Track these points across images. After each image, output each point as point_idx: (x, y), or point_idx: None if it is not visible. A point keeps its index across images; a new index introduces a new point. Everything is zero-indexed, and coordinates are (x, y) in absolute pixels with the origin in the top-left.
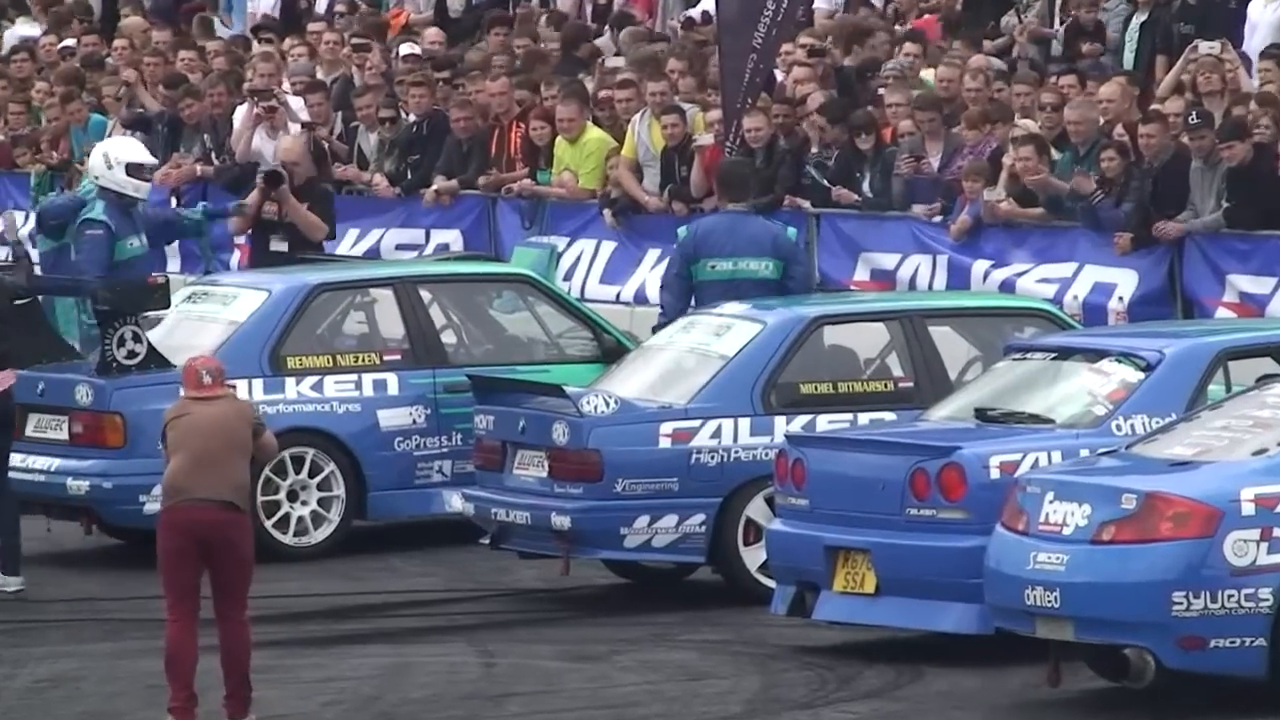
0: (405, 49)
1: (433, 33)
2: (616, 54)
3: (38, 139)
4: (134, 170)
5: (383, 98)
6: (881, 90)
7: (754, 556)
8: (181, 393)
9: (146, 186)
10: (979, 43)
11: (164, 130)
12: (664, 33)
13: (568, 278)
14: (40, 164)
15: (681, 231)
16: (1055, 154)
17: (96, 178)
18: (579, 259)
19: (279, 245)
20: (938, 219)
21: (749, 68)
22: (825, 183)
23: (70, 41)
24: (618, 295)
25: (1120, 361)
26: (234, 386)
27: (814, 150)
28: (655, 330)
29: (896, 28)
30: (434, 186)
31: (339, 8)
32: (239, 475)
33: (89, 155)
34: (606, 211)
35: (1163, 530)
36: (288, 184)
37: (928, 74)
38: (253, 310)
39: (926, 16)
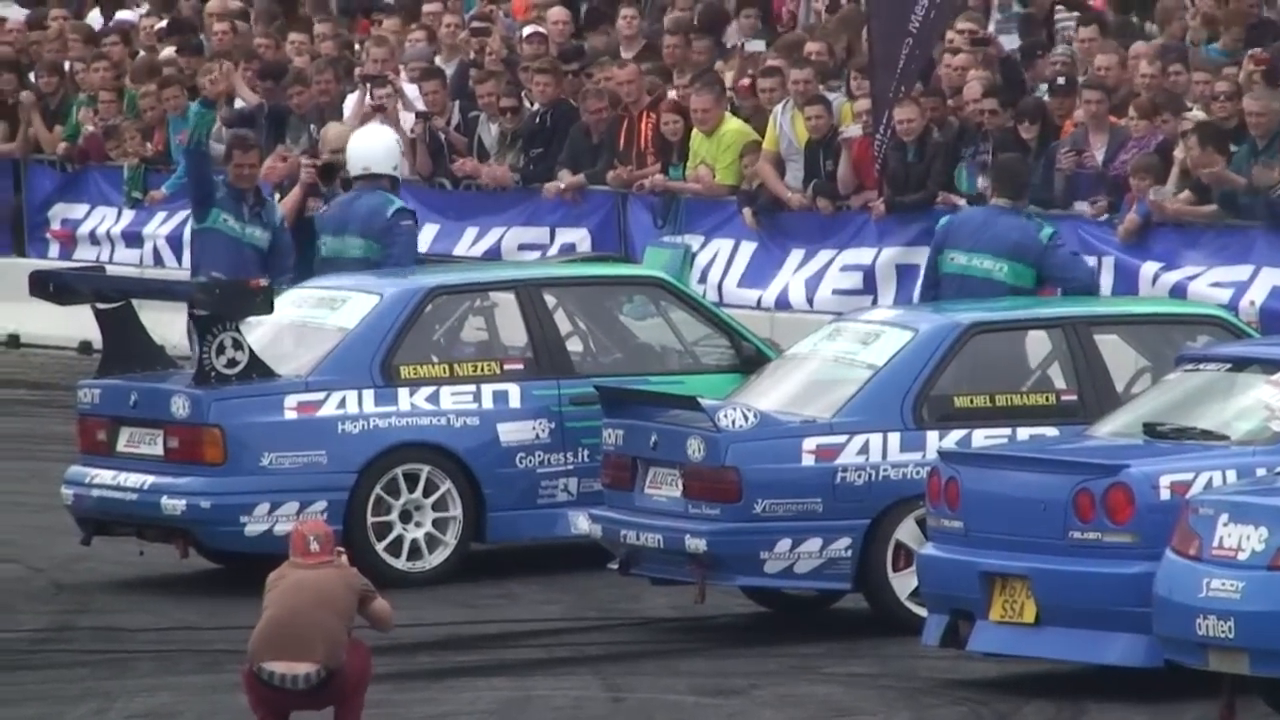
0: (528, 29)
1: (557, 11)
2: (756, 38)
3: (131, 130)
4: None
5: (504, 85)
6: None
7: (904, 583)
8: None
9: None
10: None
11: (265, 123)
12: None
13: (702, 280)
14: (134, 156)
15: (941, 220)
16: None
17: (395, 167)
18: (714, 259)
19: None
20: (1104, 217)
21: (904, 54)
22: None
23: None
24: (758, 300)
25: None
26: (343, 552)
27: (968, 149)
28: None
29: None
30: (559, 181)
31: None
32: (334, 635)
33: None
34: (746, 209)
35: None
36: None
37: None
38: (363, 315)
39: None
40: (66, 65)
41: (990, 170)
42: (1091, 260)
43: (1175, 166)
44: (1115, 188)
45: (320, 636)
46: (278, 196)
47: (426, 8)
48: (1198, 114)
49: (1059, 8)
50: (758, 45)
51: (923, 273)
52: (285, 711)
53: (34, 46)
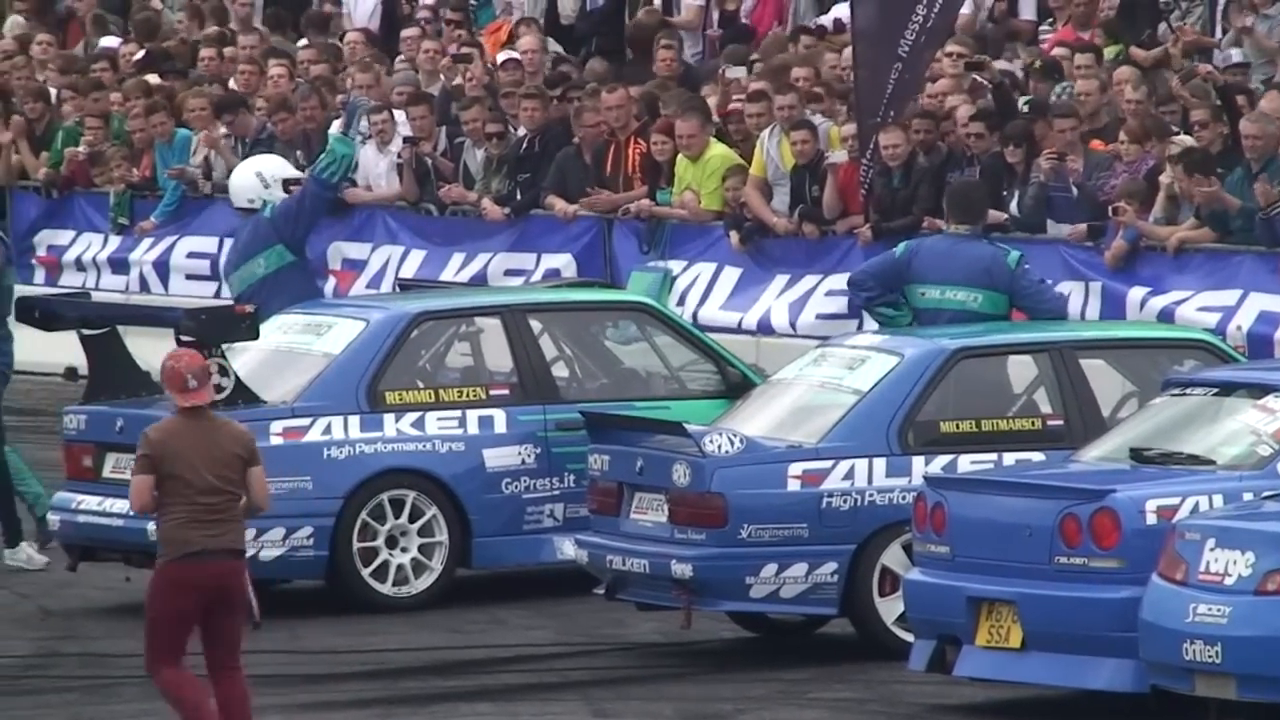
0: (503, 56)
1: (528, 41)
2: (739, 64)
3: (116, 156)
4: (290, 185)
5: (489, 111)
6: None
7: (890, 608)
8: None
9: None
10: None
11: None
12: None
13: (681, 303)
14: (120, 183)
15: (900, 247)
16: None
17: (251, 200)
18: (694, 283)
19: None
20: (1088, 243)
21: (892, 79)
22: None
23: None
24: (739, 322)
25: None
26: (223, 389)
27: (954, 173)
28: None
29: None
30: (558, 208)
31: (444, 14)
32: (240, 515)
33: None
34: (733, 233)
35: None
36: None
37: (1084, 84)
38: (349, 341)
39: (1064, 27)
40: (53, 92)
41: (945, 197)
42: (1078, 285)
43: (1161, 192)
44: (1095, 211)
45: (238, 523)
46: None
47: (405, 32)
48: (1184, 139)
49: (1043, 28)
50: (738, 72)
51: (866, 275)
52: (199, 608)
53: (19, 72)
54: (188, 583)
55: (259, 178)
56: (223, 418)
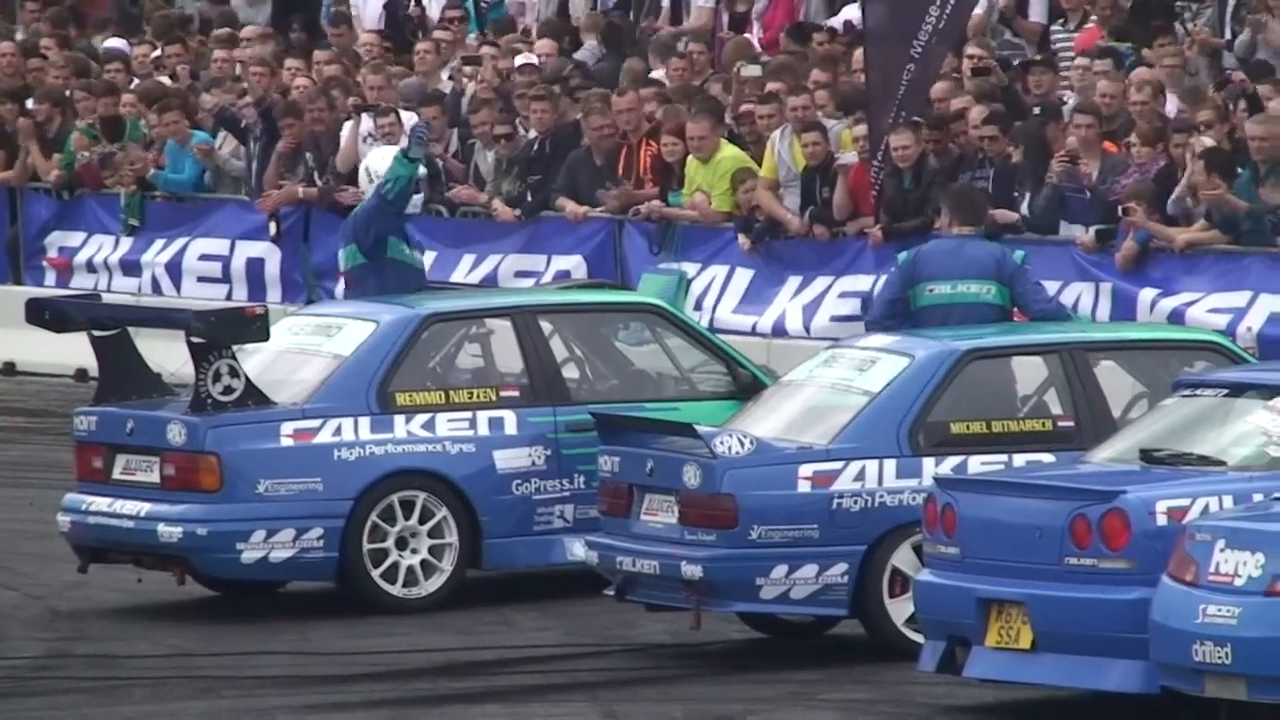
0: (520, 60)
1: (544, 44)
2: (752, 62)
3: (134, 154)
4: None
5: (498, 113)
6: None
7: (900, 609)
8: None
9: (419, 199)
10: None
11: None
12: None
13: (698, 307)
14: (131, 184)
15: (901, 256)
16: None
17: (362, 192)
18: (709, 286)
19: None
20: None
21: (904, 80)
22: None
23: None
24: (753, 326)
25: None
26: None
27: (964, 175)
28: None
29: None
30: (566, 209)
31: (451, 12)
32: None
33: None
34: (742, 235)
35: None
36: None
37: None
38: (359, 342)
39: (1088, 28)
40: (67, 93)
41: (946, 200)
42: (1089, 285)
43: (1177, 189)
44: (1108, 213)
45: None
46: (274, 227)
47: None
48: (1206, 140)
49: (1054, 28)
50: (754, 70)
51: (877, 303)
52: None
53: (32, 74)
54: None
55: (366, 172)
56: None
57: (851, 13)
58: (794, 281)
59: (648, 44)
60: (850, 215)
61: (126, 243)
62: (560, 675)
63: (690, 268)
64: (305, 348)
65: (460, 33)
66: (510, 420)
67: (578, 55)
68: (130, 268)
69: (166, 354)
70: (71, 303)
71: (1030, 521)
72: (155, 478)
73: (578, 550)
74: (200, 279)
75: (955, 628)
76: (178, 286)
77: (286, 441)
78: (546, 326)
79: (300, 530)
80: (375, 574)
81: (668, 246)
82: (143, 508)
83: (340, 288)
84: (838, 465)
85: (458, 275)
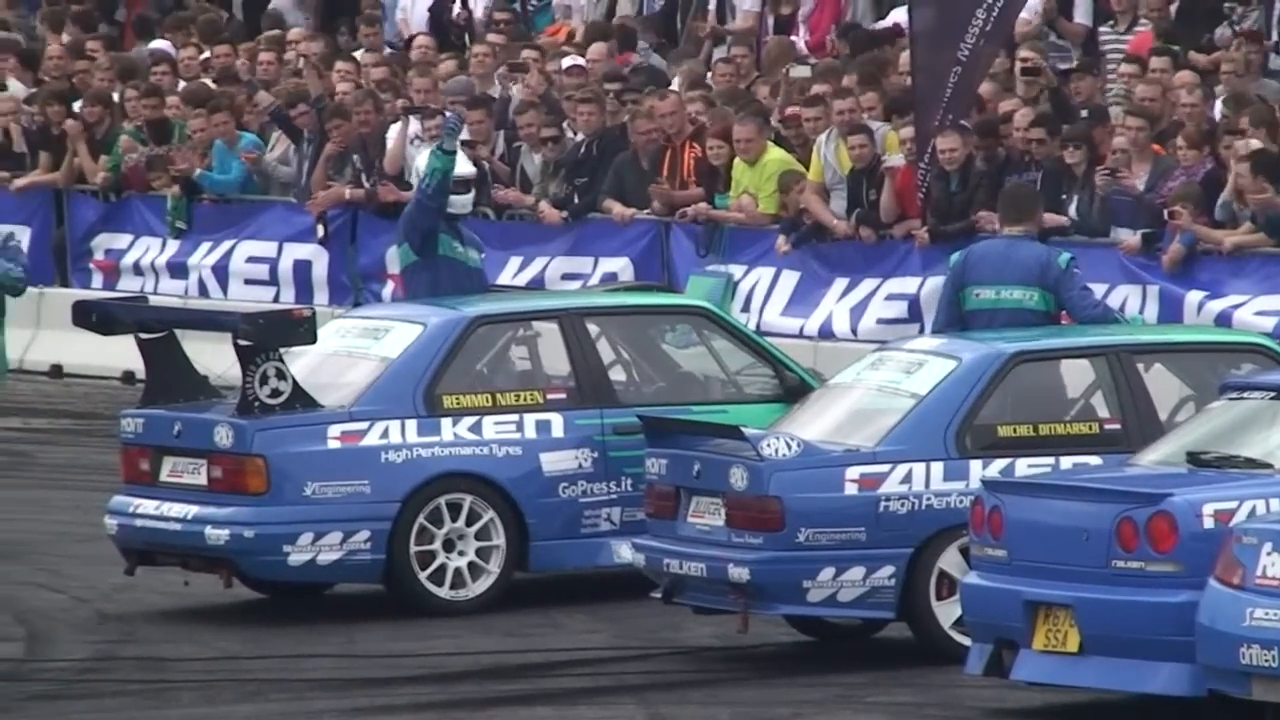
0: (568, 62)
1: (597, 48)
2: (800, 63)
3: (183, 154)
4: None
5: (545, 116)
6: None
7: (947, 612)
8: None
9: (468, 199)
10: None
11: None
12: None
13: (745, 309)
14: (177, 186)
15: (954, 257)
16: None
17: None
18: (755, 288)
19: None
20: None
21: (951, 82)
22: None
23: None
24: (800, 329)
25: None
26: None
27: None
28: None
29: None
30: (614, 211)
31: (498, 15)
32: None
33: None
34: (780, 238)
35: None
36: None
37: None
38: (406, 345)
39: (1139, 31)
40: (115, 95)
41: (998, 200)
42: (1136, 288)
43: (1224, 193)
44: (1157, 217)
45: None
46: (321, 229)
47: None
48: (1254, 143)
49: (1103, 30)
50: (803, 71)
51: (939, 309)
52: None
53: (80, 76)
54: None
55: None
56: None
57: (900, 15)
58: (840, 284)
59: (696, 44)
60: (897, 218)
61: (173, 245)
62: (607, 678)
63: (737, 270)
64: (352, 350)
65: (511, 34)
66: (557, 423)
67: (635, 58)
68: (177, 270)
69: (214, 356)
70: (118, 305)
71: (1077, 524)
72: (202, 480)
73: (625, 553)
74: (247, 281)
75: (1002, 630)
76: (225, 289)
77: (334, 444)
78: (593, 329)
79: (347, 533)
80: (422, 576)
81: (714, 249)
82: (190, 510)
83: (388, 290)
84: (885, 468)
85: (504, 278)
